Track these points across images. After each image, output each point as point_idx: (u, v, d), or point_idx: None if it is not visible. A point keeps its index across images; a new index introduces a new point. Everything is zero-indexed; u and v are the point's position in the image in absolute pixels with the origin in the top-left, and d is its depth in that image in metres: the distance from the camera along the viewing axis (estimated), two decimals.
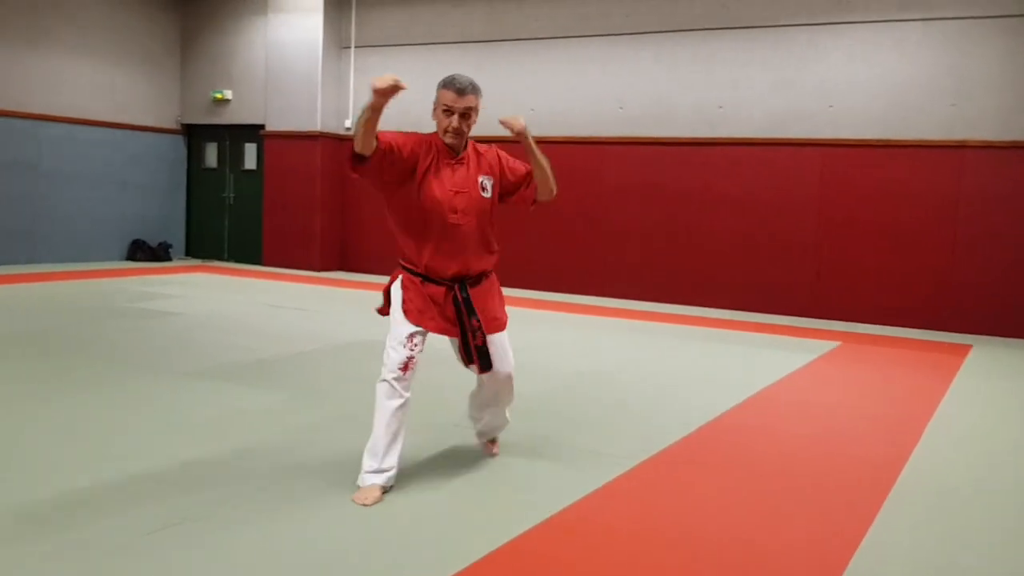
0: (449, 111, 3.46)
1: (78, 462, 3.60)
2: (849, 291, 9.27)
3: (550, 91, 10.79)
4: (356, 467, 3.40)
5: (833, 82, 9.30)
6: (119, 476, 3.44)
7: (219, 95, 12.92)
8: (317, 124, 12.01)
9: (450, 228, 3.44)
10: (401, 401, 3.35)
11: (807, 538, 3.15)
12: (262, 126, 12.62)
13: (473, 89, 3.51)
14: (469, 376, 3.79)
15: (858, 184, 9.20)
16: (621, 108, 10.39)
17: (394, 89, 3.15)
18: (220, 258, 13.29)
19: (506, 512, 3.27)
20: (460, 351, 3.56)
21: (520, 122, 3.53)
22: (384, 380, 3.36)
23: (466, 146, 3.59)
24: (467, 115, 3.49)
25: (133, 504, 3.15)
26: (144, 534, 2.89)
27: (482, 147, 3.68)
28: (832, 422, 4.93)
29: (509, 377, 3.69)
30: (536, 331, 7.73)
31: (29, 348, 6.00)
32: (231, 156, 13.24)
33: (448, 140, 3.49)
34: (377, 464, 3.33)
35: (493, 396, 3.74)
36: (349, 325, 7.57)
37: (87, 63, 11.99)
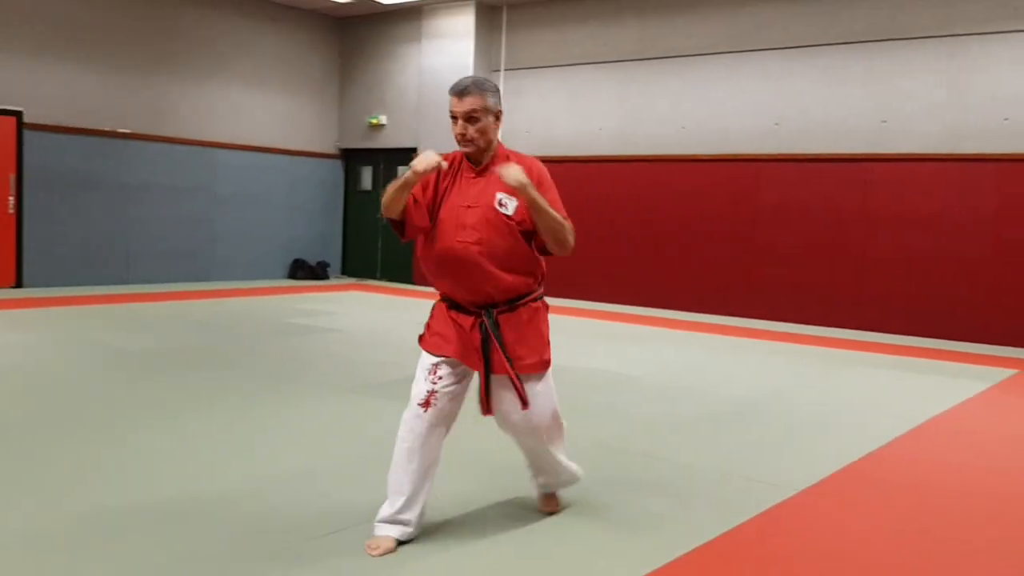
0: (454, 117, 3.05)
1: (250, 467, 3.79)
2: None
3: (702, 109, 10.63)
4: (495, 491, 3.42)
5: (1007, 93, 8.72)
6: (289, 482, 3.61)
7: (374, 120, 13.45)
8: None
9: (457, 247, 3.00)
10: (419, 442, 2.99)
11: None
12: (414, 149, 13.03)
13: (477, 88, 3.02)
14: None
15: None
16: (777, 124, 10.10)
17: (434, 170, 2.94)
18: (373, 277, 13.78)
19: (660, 538, 3.21)
20: (481, 389, 3.09)
21: (514, 174, 2.89)
22: (404, 418, 3.06)
23: (494, 158, 3.09)
24: (473, 118, 3.01)
25: (302, 509, 3.29)
26: (309, 539, 3.01)
27: (524, 160, 3.10)
28: (1010, 455, 4.59)
29: (552, 424, 3.17)
30: (683, 354, 7.59)
31: (203, 360, 6.39)
32: (385, 179, 13.73)
33: (463, 150, 3.08)
34: (391, 512, 2.99)
35: (530, 450, 3.25)
36: None
37: (259, 93, 12.76)
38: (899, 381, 6.66)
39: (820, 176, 9.81)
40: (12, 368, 5.77)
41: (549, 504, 3.41)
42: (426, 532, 3.11)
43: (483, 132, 3.03)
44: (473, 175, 3.09)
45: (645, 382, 6.13)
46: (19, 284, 10.41)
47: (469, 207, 3.03)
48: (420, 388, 3.03)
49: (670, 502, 3.61)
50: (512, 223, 3.00)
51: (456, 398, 3.07)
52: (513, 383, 3.04)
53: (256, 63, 12.71)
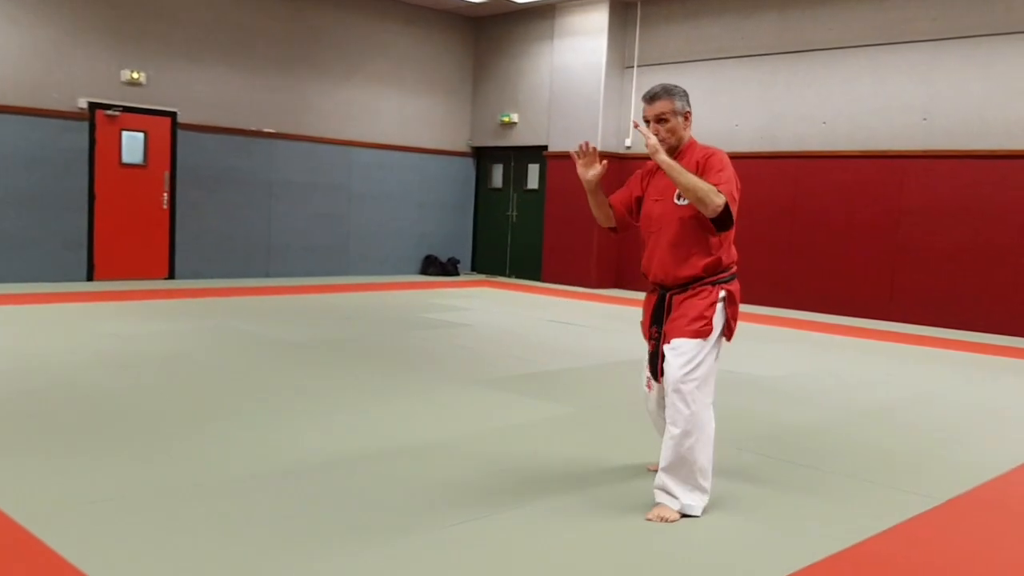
0: (646, 121, 3.48)
1: (377, 456, 3.91)
2: None
3: (845, 103, 10.23)
4: (628, 486, 3.38)
5: None
6: (421, 472, 3.70)
7: (506, 118, 13.59)
8: (598, 144, 12.25)
9: (651, 237, 3.51)
10: (656, 415, 3.61)
11: None
12: (545, 147, 13.09)
13: (666, 93, 3.45)
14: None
15: None
16: (925, 119, 9.61)
17: (596, 173, 3.55)
18: (502, 273, 13.93)
19: (792, 544, 3.11)
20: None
21: (650, 140, 3.34)
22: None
23: (683, 150, 3.46)
24: (663, 119, 3.43)
25: (436, 499, 3.37)
26: (447, 526, 3.08)
27: (705, 151, 3.43)
28: None
29: (669, 385, 3.31)
30: (827, 356, 7.33)
31: (339, 352, 6.63)
32: (515, 176, 13.87)
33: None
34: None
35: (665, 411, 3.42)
36: (624, 342, 7.62)
37: (394, 93, 13.12)
38: None
39: (972, 174, 9.27)
40: (171, 355, 6.14)
41: (654, 511, 3.30)
42: (567, 527, 3.14)
43: (672, 131, 3.43)
44: (663, 173, 3.42)
45: (784, 385, 5.96)
46: (171, 276, 11.07)
47: (656, 201, 3.50)
48: (644, 375, 3.66)
49: (808, 509, 3.49)
50: (686, 213, 3.36)
51: None
52: (652, 354, 3.50)
53: (391, 63, 13.06)
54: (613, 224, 3.70)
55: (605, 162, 3.59)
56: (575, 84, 12.59)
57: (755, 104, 10.99)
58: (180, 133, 11.00)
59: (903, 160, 9.76)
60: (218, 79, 11.29)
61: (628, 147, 12.30)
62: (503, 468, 3.83)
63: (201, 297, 9.46)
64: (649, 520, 3.24)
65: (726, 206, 3.25)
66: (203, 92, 11.16)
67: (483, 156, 14.32)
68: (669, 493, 3.31)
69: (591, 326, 8.64)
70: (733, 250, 3.48)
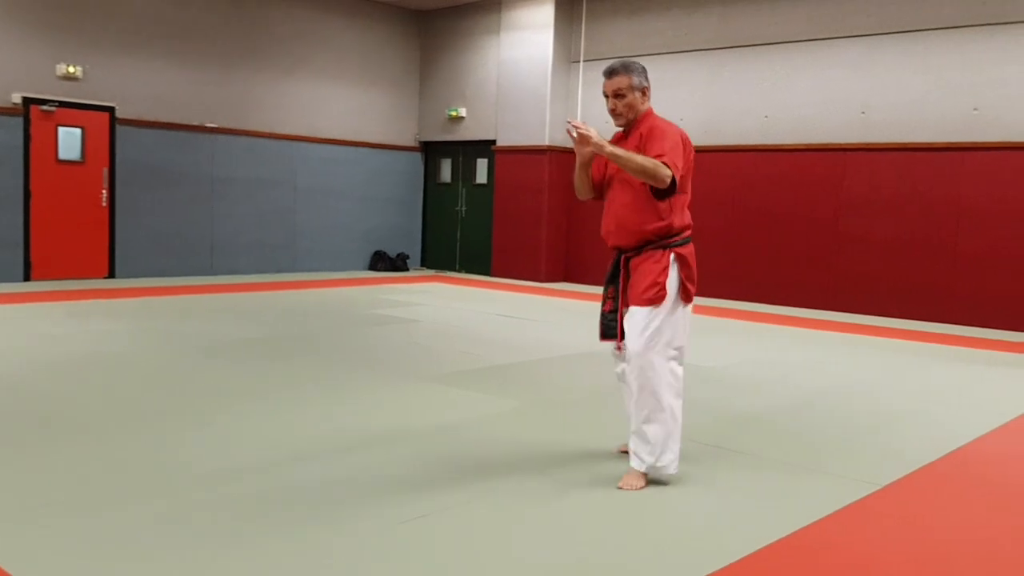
0: (606, 95, 3.68)
1: (324, 456, 3.88)
2: None
3: (786, 97, 10.40)
4: (582, 473, 3.41)
5: None
6: (370, 469, 3.68)
7: (454, 112, 13.55)
8: (545, 138, 12.29)
9: (608, 200, 3.72)
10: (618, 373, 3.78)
11: None
12: (493, 141, 13.09)
13: (624, 68, 3.63)
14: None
15: None
16: (863, 113, 9.82)
17: (591, 150, 3.54)
18: (452, 268, 13.91)
19: (732, 532, 3.17)
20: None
21: (590, 134, 3.46)
22: None
23: (636, 124, 3.64)
24: (620, 95, 3.61)
25: (383, 495, 3.36)
26: (397, 523, 3.07)
27: (651, 122, 3.61)
28: None
29: (630, 355, 3.50)
30: (769, 346, 7.46)
31: (285, 350, 6.56)
32: (464, 171, 13.85)
33: (615, 122, 3.70)
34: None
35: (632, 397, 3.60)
36: (574, 336, 7.66)
37: (339, 87, 12.99)
38: (991, 376, 6.42)
39: (908, 165, 9.50)
40: (111, 356, 6.01)
41: (626, 479, 3.53)
42: (536, 503, 3.18)
43: (630, 106, 3.62)
44: (619, 139, 3.69)
45: (727, 374, 6.05)
46: (112, 275, 10.84)
47: (608, 165, 3.69)
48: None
49: (749, 496, 3.56)
50: (634, 179, 3.52)
51: None
52: (608, 313, 3.68)
53: (336, 57, 12.93)
54: (592, 196, 3.85)
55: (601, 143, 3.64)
56: (522, 78, 12.61)
57: (699, 98, 11.12)
58: (119, 128, 10.76)
59: (843, 153, 9.97)
60: (158, 73, 11.06)
61: (570, 122, 12.33)
62: (454, 462, 3.83)
63: (143, 296, 9.28)
64: (620, 488, 3.46)
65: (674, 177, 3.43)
66: (143, 86, 10.93)
67: (431, 151, 14.26)
68: (637, 456, 3.52)
69: (541, 320, 8.67)
70: (687, 214, 3.63)
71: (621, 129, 3.73)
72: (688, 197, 3.63)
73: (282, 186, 12.43)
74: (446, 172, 14.10)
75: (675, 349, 3.57)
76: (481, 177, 13.56)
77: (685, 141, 3.57)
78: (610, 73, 3.63)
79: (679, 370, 3.59)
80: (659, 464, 3.51)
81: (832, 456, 4.19)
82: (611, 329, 3.69)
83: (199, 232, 11.59)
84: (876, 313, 9.66)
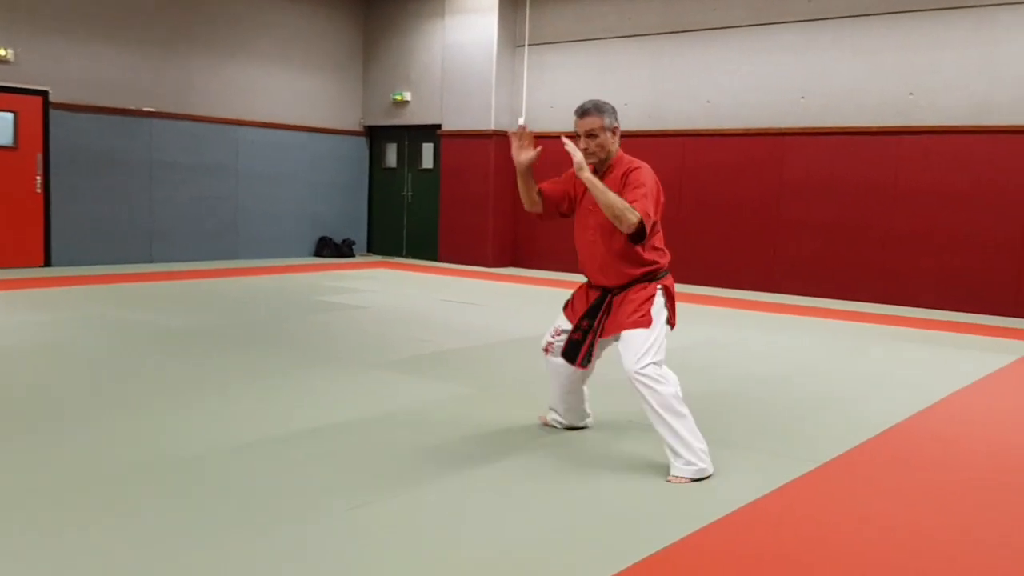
0: (577, 135, 3.71)
1: (271, 444, 3.86)
2: None
3: (728, 82, 10.53)
4: (535, 459, 3.44)
5: None
6: (318, 458, 3.67)
7: (399, 97, 13.44)
8: (491, 123, 12.27)
9: (586, 245, 3.80)
10: (552, 367, 3.99)
11: (998, 558, 2.94)
12: (439, 126, 13.03)
13: (596, 109, 3.69)
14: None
15: None
16: (803, 98, 10.00)
17: (529, 158, 3.73)
18: (399, 254, 13.84)
19: (672, 514, 3.23)
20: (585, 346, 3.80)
21: (576, 156, 3.56)
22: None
23: (611, 164, 3.72)
24: (592, 135, 3.67)
25: (331, 484, 3.35)
26: (346, 510, 3.07)
27: (630, 165, 3.70)
28: None
29: (630, 377, 3.58)
30: (712, 329, 7.58)
31: (229, 338, 6.48)
32: (410, 156, 13.76)
33: (588, 161, 3.66)
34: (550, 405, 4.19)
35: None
36: (522, 320, 7.70)
37: (281, 70, 12.79)
38: (927, 355, 6.62)
39: (846, 150, 9.71)
40: (48, 346, 5.88)
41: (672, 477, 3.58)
42: (562, 481, 3.23)
43: (601, 146, 3.69)
44: None
45: (670, 357, 6.12)
46: (48, 263, 10.56)
47: (590, 210, 3.74)
48: (544, 337, 3.99)
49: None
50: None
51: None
52: (579, 340, 3.79)
53: (279, 40, 12.73)
54: (540, 211, 3.90)
55: (540, 148, 3.75)
56: (467, 62, 12.55)
57: (643, 83, 11.20)
58: (53, 113, 10.46)
59: (782, 137, 10.14)
60: (93, 55, 10.77)
61: (521, 125, 12.32)
62: (405, 449, 3.83)
63: (80, 285, 9.06)
64: (668, 481, 3.52)
65: (640, 223, 3.49)
66: (77, 69, 10.63)
67: (376, 135, 14.14)
68: (682, 465, 3.54)
69: (489, 305, 8.69)
70: (665, 251, 3.79)
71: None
72: (661, 234, 3.76)
73: (224, 171, 12.22)
74: (391, 157, 14.00)
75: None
76: (427, 162, 13.50)
77: (658, 185, 3.68)
78: (583, 113, 3.69)
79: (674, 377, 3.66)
80: (703, 465, 3.54)
81: (772, 436, 4.29)
82: (575, 353, 3.78)
83: (138, 219, 11.34)
84: (817, 295, 9.88)
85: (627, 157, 3.74)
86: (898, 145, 9.38)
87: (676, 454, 3.54)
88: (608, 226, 3.61)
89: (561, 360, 3.89)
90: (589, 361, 3.80)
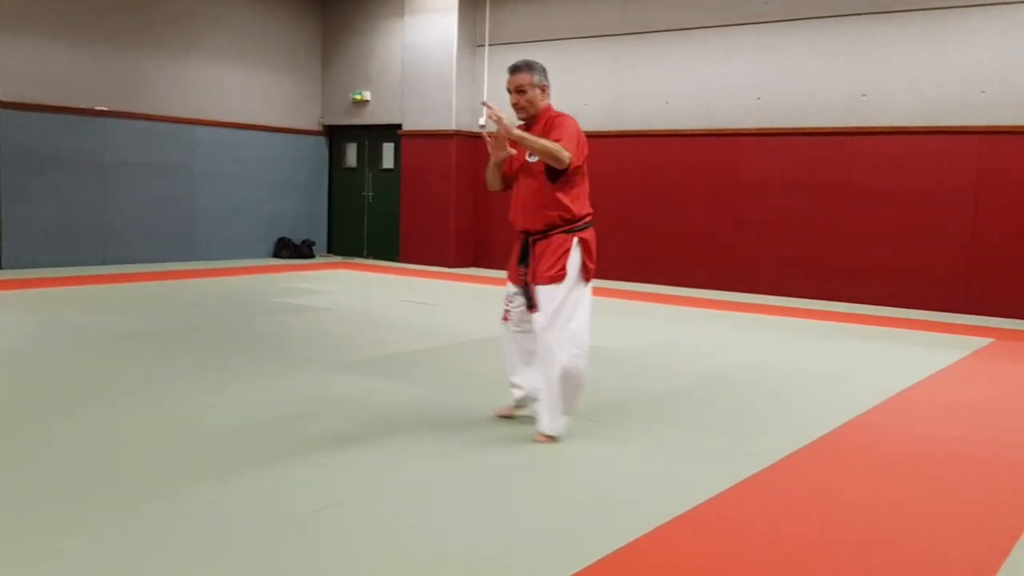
0: (509, 91, 4.06)
1: (232, 448, 3.82)
2: (1005, 286, 8.75)
3: (686, 83, 10.64)
4: (496, 459, 3.46)
5: (986, 66, 8.78)
6: (270, 462, 3.65)
7: (359, 96, 13.37)
8: (452, 123, 12.26)
9: (516, 190, 4.12)
10: (509, 337, 4.20)
11: (951, 547, 3.01)
12: (399, 126, 12.99)
13: (527, 67, 4.03)
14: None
15: (1017, 173, 8.66)
16: (759, 99, 10.13)
17: (505, 155, 4.03)
18: (360, 255, 13.77)
19: (632, 510, 3.27)
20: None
21: (502, 119, 3.87)
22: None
23: (538, 118, 4.04)
24: (521, 90, 4.01)
25: (289, 488, 3.33)
26: (303, 515, 3.05)
27: (553, 115, 4.04)
28: (982, 424, 4.68)
29: (539, 331, 3.95)
30: (672, 327, 7.66)
31: (186, 341, 6.40)
32: (370, 156, 13.70)
33: (518, 116, 4.09)
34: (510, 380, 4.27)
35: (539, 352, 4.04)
36: (484, 321, 7.71)
37: (237, 68, 12.65)
38: (879, 351, 6.75)
39: (801, 150, 9.87)
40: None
41: (539, 437, 3.99)
42: (519, 473, 3.35)
43: (530, 102, 4.02)
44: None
45: (626, 356, 6.19)
46: None
47: (517, 158, 4.07)
48: (502, 308, 4.25)
49: (650, 473, 3.67)
50: (539, 166, 3.94)
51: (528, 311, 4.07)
52: (529, 290, 4.01)
53: (234, 37, 12.58)
54: (501, 187, 4.22)
55: (513, 151, 4.05)
56: (427, 62, 12.53)
57: (602, 84, 11.27)
58: (2, 112, 10.23)
59: (740, 137, 10.27)
60: (42, 53, 10.56)
61: (482, 125, 12.34)
62: (364, 450, 3.82)
63: (31, 288, 8.88)
64: (537, 441, 3.94)
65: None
66: (26, 68, 10.41)
67: (336, 135, 14.05)
68: (546, 419, 3.97)
69: (450, 306, 8.69)
70: (587, 203, 4.07)
71: (523, 122, 4.11)
72: (587, 187, 4.07)
73: (179, 171, 12.06)
74: (352, 156, 13.92)
75: (577, 322, 3.98)
76: (388, 162, 13.44)
77: (580, 133, 3.99)
78: (514, 70, 4.03)
79: (582, 340, 3.97)
80: (555, 426, 3.98)
81: (729, 433, 4.35)
82: (528, 299, 4.05)
83: (91, 220, 11.15)
84: (774, 293, 10.02)
85: (553, 109, 4.08)
86: (851, 145, 9.55)
87: (550, 414, 3.98)
88: (531, 167, 3.98)
89: (518, 327, 4.14)
90: (532, 305, 4.02)
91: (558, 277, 3.92)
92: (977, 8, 8.81)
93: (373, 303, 8.61)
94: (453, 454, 3.82)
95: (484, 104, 4.06)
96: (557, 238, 3.95)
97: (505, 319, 4.22)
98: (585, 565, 2.71)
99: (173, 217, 12.02)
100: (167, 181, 11.92)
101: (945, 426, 4.63)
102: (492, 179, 4.19)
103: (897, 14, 9.25)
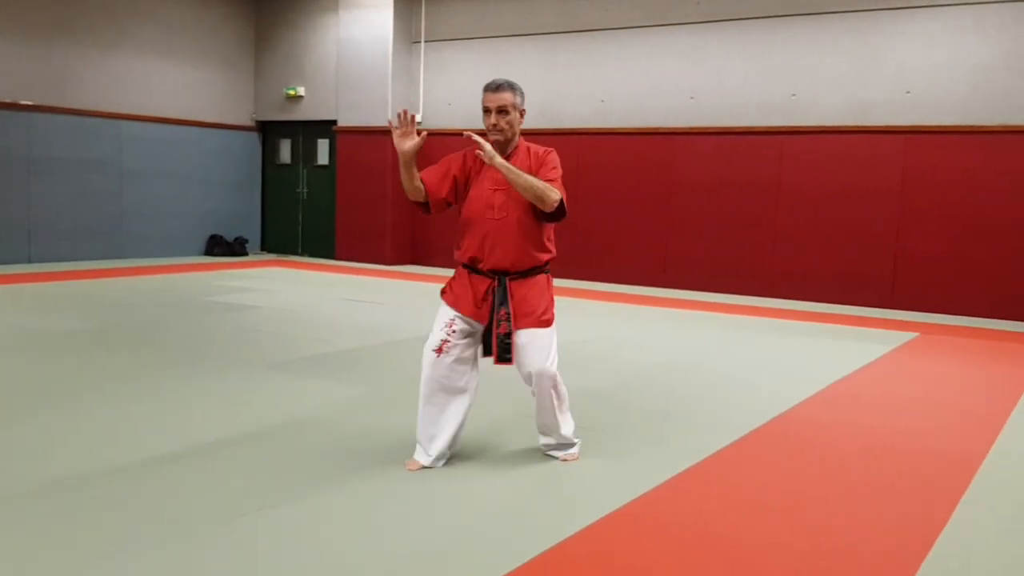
0: (487, 110, 3.64)
1: (165, 450, 3.74)
2: (928, 281, 9.04)
3: (620, 82, 10.74)
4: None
5: (912, 67, 9.06)
6: (206, 464, 3.58)
7: (292, 91, 13.19)
8: (388, 119, 12.14)
9: (488, 223, 3.63)
10: (440, 373, 3.61)
11: (879, 536, 3.11)
12: (334, 122, 12.85)
13: (509, 86, 3.65)
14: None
15: (940, 171, 8.96)
16: (692, 98, 10.28)
17: (413, 145, 3.60)
18: (294, 252, 13.59)
19: (567, 507, 3.29)
20: (483, 339, 3.69)
21: (485, 147, 3.52)
22: (423, 363, 3.66)
23: (516, 147, 3.69)
24: (503, 111, 3.61)
25: (222, 490, 3.28)
26: (234, 517, 3.00)
27: (537, 149, 3.72)
28: (908, 415, 4.83)
29: (541, 375, 3.61)
30: (606, 324, 7.73)
31: (116, 342, 6.24)
32: (304, 152, 13.52)
33: (492, 138, 3.63)
34: (420, 443, 3.68)
35: (536, 399, 3.72)
36: (421, 318, 7.66)
37: (166, 62, 12.36)
38: (809, 346, 6.91)
39: (734, 149, 10.04)
40: None
41: (565, 456, 3.80)
42: (451, 474, 3.34)
43: (510, 124, 3.63)
44: None
45: (564, 353, 6.21)
46: None
47: (496, 190, 3.64)
48: (435, 337, 3.65)
49: (578, 472, 3.70)
50: (529, 205, 3.59)
51: (470, 346, 3.66)
52: (505, 336, 3.60)
53: (164, 31, 12.29)
54: (423, 200, 3.73)
55: (425, 133, 3.65)
56: (363, 58, 12.41)
57: (538, 82, 11.29)
58: None
59: (673, 136, 10.41)
60: None
61: (419, 123, 12.25)
62: (301, 452, 3.77)
63: None
64: (565, 460, 3.78)
65: (561, 201, 3.57)
66: None
67: (269, 131, 13.83)
68: (568, 451, 3.83)
69: (387, 303, 8.63)
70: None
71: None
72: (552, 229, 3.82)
73: (107, 167, 11.73)
74: (285, 153, 13.72)
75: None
76: (322, 158, 13.28)
77: None
78: (496, 88, 3.63)
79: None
80: (573, 450, 3.85)
81: (663, 427, 4.41)
82: (508, 351, 3.61)
83: (14, 217, 10.77)
84: (705, 289, 10.18)
85: (528, 142, 3.75)
86: (782, 144, 9.76)
87: (568, 444, 3.82)
88: (523, 205, 3.59)
89: (454, 362, 3.61)
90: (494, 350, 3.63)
91: (550, 321, 3.67)
92: (905, 10, 9.07)
93: (309, 301, 8.50)
94: (390, 451, 3.79)
95: (467, 135, 3.56)
96: (541, 278, 3.70)
97: (440, 351, 3.61)
98: (511, 568, 2.71)
99: (101, 214, 11.69)
100: (95, 177, 11.59)
101: (874, 417, 4.76)
102: (408, 186, 3.68)
103: (826, 15, 9.47)
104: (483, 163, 3.63)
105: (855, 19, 9.33)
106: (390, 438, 4.02)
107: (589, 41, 10.95)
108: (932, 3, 8.93)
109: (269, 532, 2.91)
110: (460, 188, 3.72)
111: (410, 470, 3.59)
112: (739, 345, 6.92)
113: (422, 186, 3.70)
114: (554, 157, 3.70)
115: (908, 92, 9.06)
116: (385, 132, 12.18)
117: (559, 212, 3.60)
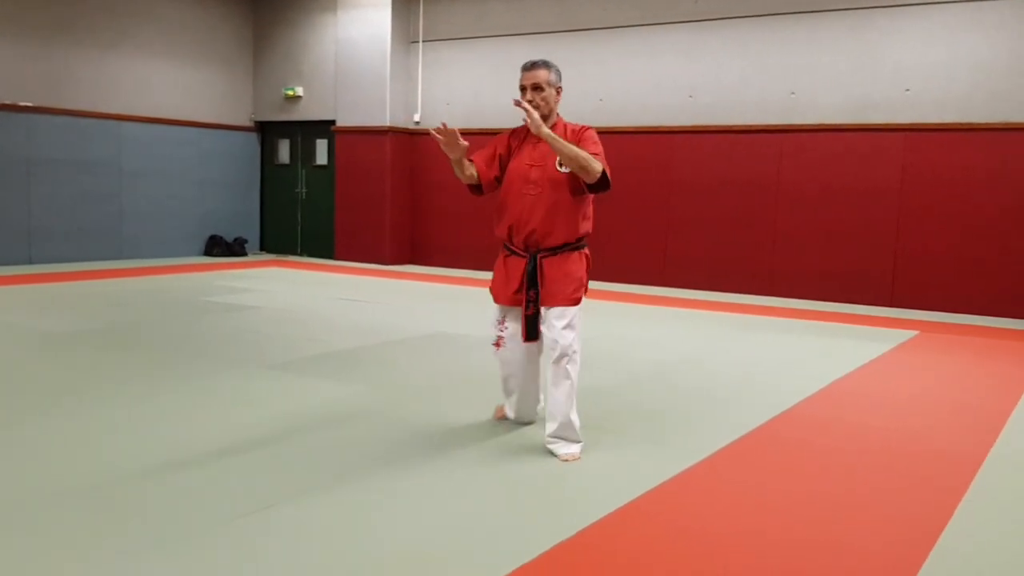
0: (523, 88, 3.78)
1: (166, 451, 3.74)
2: (928, 279, 9.03)
3: (619, 81, 10.74)
4: (434, 457, 3.43)
5: (911, 65, 9.05)
6: (205, 464, 3.57)
7: (291, 92, 13.18)
8: (386, 119, 12.16)
9: (525, 198, 3.79)
10: (515, 363, 3.95)
11: (880, 536, 3.10)
12: (333, 122, 12.84)
13: (544, 64, 3.80)
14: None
15: (940, 169, 8.95)
16: (691, 97, 10.28)
17: (460, 152, 3.77)
18: (293, 252, 13.58)
19: (567, 507, 3.29)
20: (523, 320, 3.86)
21: (533, 115, 3.65)
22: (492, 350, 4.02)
23: (554, 124, 3.80)
24: (538, 88, 3.75)
25: (222, 491, 3.27)
26: (234, 518, 3.00)
27: (574, 126, 3.83)
28: (909, 414, 4.83)
29: (561, 351, 3.73)
30: (605, 323, 7.72)
31: (116, 342, 6.23)
32: (303, 152, 13.51)
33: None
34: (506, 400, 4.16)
35: (551, 376, 3.83)
36: (421, 318, 7.67)
37: (165, 63, 12.35)
38: (809, 345, 6.91)
39: (733, 147, 10.04)
40: None
41: (565, 455, 3.79)
42: (454, 476, 3.27)
43: (545, 101, 3.77)
44: (535, 139, 3.80)
45: None
46: None
47: (532, 166, 3.81)
48: (492, 333, 3.97)
49: (580, 471, 3.69)
50: (566, 179, 3.75)
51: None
52: (534, 315, 3.80)
53: (163, 31, 12.28)
54: (477, 182, 3.93)
55: (466, 144, 3.81)
56: (361, 58, 12.41)
57: None
58: None
59: (672, 135, 10.41)
60: None
61: (417, 122, 12.28)
62: (301, 451, 3.77)
63: None
64: (565, 460, 3.72)
65: (604, 172, 3.69)
66: None
67: (268, 131, 13.82)
68: (569, 440, 3.81)
69: (386, 303, 8.62)
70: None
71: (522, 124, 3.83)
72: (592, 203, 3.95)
73: (106, 168, 11.73)
74: (284, 153, 13.71)
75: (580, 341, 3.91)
76: (321, 158, 13.28)
77: None
78: (531, 66, 3.78)
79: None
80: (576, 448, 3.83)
81: (663, 426, 4.40)
82: (536, 330, 3.85)
83: (14, 219, 10.77)
84: (704, 288, 10.18)
85: (565, 119, 3.86)
86: (781, 143, 9.75)
87: (572, 437, 3.82)
88: (558, 178, 3.74)
89: (515, 352, 3.92)
90: (538, 333, 3.84)
91: (578, 300, 3.80)
92: (904, 8, 9.06)
93: (308, 301, 8.50)
94: (391, 450, 3.79)
95: (516, 102, 3.69)
96: (572, 255, 3.83)
97: (498, 345, 3.96)
98: (511, 568, 2.71)
99: (101, 215, 11.69)
100: (94, 179, 11.58)
101: (874, 416, 4.76)
102: (461, 175, 3.91)
103: (825, 13, 9.46)
104: (523, 140, 3.85)
105: (854, 17, 9.32)
106: (390, 438, 4.02)
107: (588, 40, 10.94)
108: (931, 0, 8.93)
109: (269, 532, 2.90)
110: (504, 165, 3.92)
111: (496, 416, 4.21)
112: (738, 344, 6.92)
113: (475, 172, 3.90)
114: (593, 133, 3.79)
115: (907, 90, 9.06)
116: (383, 132, 12.19)
117: (602, 183, 3.71)
